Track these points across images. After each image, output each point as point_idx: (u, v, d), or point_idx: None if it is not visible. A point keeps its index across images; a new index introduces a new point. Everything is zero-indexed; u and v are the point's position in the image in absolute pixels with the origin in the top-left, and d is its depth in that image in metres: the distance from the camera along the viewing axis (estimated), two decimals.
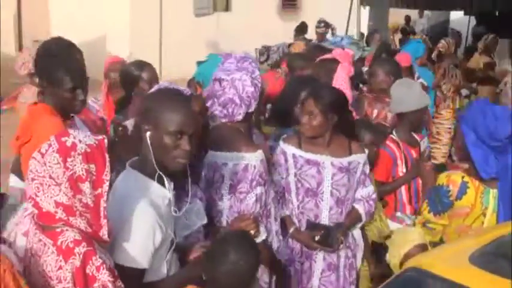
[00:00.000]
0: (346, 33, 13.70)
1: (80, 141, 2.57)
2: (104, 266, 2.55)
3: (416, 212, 4.75)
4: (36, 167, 2.56)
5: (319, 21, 11.57)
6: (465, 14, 17.13)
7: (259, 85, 3.57)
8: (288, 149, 3.96)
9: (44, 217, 2.58)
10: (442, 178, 3.79)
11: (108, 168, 2.60)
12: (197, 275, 2.88)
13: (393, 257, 3.66)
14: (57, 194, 2.54)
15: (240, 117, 3.50)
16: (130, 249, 2.73)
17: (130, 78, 4.79)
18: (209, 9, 14.95)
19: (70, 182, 2.53)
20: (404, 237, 3.72)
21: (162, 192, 2.83)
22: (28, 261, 2.63)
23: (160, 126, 2.75)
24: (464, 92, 10.01)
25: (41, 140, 3.21)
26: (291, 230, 3.95)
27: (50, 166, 2.54)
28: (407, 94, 4.98)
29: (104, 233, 2.58)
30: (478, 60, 10.97)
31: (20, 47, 13.52)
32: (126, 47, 13.89)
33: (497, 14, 17.08)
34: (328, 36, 11.55)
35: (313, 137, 3.94)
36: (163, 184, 2.82)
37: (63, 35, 3.86)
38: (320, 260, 4.00)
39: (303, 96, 4.14)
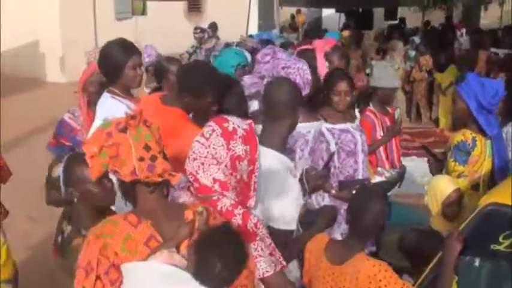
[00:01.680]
0: (247, 32, 14.03)
1: (238, 126, 2.63)
2: (259, 222, 2.61)
3: (395, 166, 5.27)
4: (200, 149, 2.59)
5: (196, 28, 11.19)
6: (336, 11, 17.78)
7: None
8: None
9: (202, 190, 2.60)
10: (459, 136, 4.06)
11: (258, 148, 2.66)
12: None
13: (434, 203, 3.91)
14: (215, 172, 2.58)
15: None
16: (285, 215, 2.86)
17: (160, 71, 4.93)
18: (128, 14, 14.76)
19: (231, 162, 2.57)
20: (442, 186, 3.92)
21: (290, 163, 3.04)
22: None
23: (297, 115, 3.08)
24: None
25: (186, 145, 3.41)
26: (333, 192, 4.17)
27: (214, 148, 2.57)
28: (382, 74, 5.40)
29: (251, 203, 2.65)
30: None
31: None
32: (59, 49, 13.57)
33: (360, 11, 17.87)
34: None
35: (343, 111, 4.32)
36: None
37: None
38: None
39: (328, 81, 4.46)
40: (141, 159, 2.16)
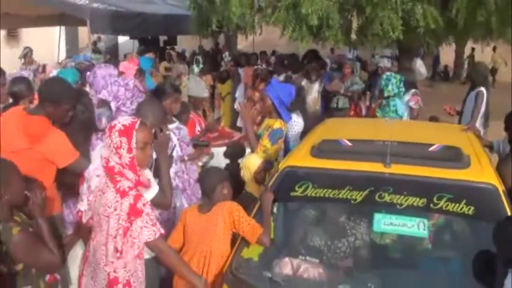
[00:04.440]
0: (58, 55, 13.50)
1: (121, 121, 2.78)
2: (147, 203, 2.72)
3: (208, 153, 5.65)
4: (107, 141, 2.76)
5: (26, 47, 10.80)
6: (130, 38, 17.38)
7: None
8: None
9: (109, 170, 2.74)
10: (278, 124, 4.43)
11: (134, 140, 2.72)
12: None
13: (248, 174, 4.20)
14: (114, 157, 2.73)
15: None
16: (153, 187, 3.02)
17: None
18: None
19: (115, 150, 2.73)
20: (253, 161, 4.23)
21: None
22: (96, 193, 2.82)
23: None
24: None
25: (54, 146, 3.43)
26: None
27: (111, 140, 2.73)
28: (195, 86, 5.77)
29: (143, 180, 2.81)
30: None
31: None
32: None
33: (150, 37, 17.84)
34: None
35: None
36: None
37: None
38: None
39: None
40: None
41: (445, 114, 6.36)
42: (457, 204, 2.99)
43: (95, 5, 11.02)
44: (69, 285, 3.15)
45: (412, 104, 6.12)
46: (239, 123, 10.59)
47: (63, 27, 14.18)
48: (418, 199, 3.03)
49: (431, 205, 3.00)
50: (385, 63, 8.96)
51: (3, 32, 15.94)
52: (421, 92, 11.98)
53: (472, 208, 2.97)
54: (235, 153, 5.91)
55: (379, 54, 16.88)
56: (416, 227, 2.97)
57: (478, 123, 5.91)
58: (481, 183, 3.09)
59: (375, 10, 7.00)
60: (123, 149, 2.72)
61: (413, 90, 6.27)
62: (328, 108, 8.80)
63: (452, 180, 3.10)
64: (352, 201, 3.12)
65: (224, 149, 6.16)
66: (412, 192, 3.06)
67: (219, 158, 6.13)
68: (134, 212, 2.66)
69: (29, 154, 3.35)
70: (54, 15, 12.70)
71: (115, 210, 2.66)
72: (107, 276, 2.73)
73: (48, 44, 13.73)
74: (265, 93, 4.62)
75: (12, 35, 16.36)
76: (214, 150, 6.12)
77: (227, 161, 5.98)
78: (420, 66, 9.19)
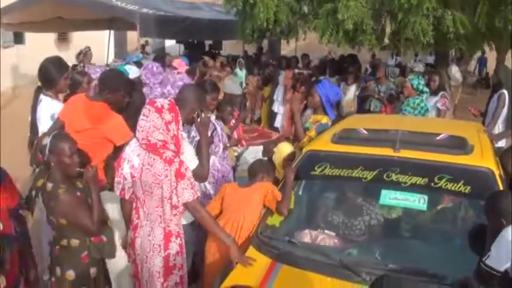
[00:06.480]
0: (108, 57, 14.32)
1: (163, 102, 3.16)
2: (188, 169, 3.13)
3: (243, 145, 6.22)
4: (144, 123, 3.12)
5: (82, 49, 11.94)
6: (177, 42, 18.29)
7: None
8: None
9: (152, 146, 3.12)
10: (325, 119, 4.85)
11: (178, 113, 3.16)
12: None
13: (278, 158, 4.59)
14: (157, 135, 3.09)
15: None
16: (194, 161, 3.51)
17: (75, 82, 5.19)
18: (11, 42, 14.51)
19: (165, 125, 3.10)
20: (285, 149, 4.63)
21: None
22: (141, 169, 3.17)
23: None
24: None
25: (113, 127, 3.94)
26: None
27: (152, 120, 3.10)
28: (231, 85, 6.44)
29: (182, 150, 3.20)
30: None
31: None
32: None
33: (195, 42, 18.54)
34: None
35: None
36: None
37: None
38: None
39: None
40: None
41: (470, 115, 6.77)
42: (455, 184, 3.42)
43: (144, 10, 11.77)
44: (116, 249, 3.56)
45: (439, 105, 6.54)
46: (276, 123, 11.18)
47: (112, 31, 15.10)
48: (420, 178, 3.48)
49: (432, 184, 3.44)
50: (420, 68, 9.36)
51: (54, 36, 17.06)
52: (461, 99, 12.30)
53: (469, 188, 3.40)
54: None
55: (422, 60, 17.18)
56: (417, 202, 3.42)
57: (501, 126, 6.30)
58: (479, 167, 3.53)
59: (407, 16, 7.36)
60: (174, 122, 3.15)
61: (441, 92, 6.69)
62: (362, 110, 9.26)
63: (453, 164, 3.55)
64: (363, 180, 3.59)
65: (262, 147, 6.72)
66: (416, 173, 3.51)
67: (258, 155, 6.70)
68: (179, 175, 3.09)
69: (91, 133, 3.90)
70: (104, 20, 13.56)
71: (166, 176, 3.07)
72: (163, 231, 3.26)
73: (97, 47, 14.61)
74: (315, 89, 5.01)
75: (63, 38, 17.45)
76: (253, 148, 6.73)
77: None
78: (456, 72, 9.53)
